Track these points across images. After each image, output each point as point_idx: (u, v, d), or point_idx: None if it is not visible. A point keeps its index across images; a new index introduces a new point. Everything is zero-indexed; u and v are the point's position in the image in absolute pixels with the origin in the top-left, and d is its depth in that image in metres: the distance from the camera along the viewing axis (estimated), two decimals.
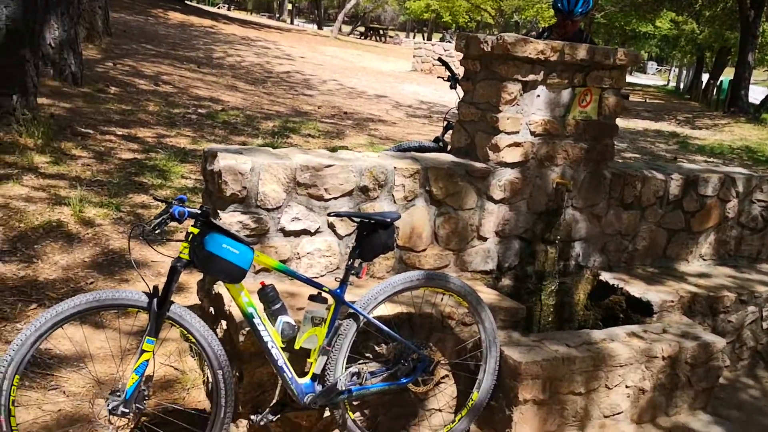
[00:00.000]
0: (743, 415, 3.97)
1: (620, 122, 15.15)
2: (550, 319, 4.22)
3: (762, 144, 16.13)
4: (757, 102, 31.13)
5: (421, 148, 4.91)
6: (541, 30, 5.12)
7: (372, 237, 2.88)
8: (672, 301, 4.06)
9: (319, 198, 3.38)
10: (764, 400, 4.22)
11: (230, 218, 3.15)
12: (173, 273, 2.54)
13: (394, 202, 3.60)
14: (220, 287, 3.14)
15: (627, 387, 3.57)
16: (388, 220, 2.89)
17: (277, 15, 53.33)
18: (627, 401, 3.60)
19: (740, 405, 4.10)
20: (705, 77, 36.82)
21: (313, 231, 3.41)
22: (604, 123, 4.12)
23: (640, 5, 25.58)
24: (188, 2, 31.88)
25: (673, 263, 4.66)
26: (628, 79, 43.90)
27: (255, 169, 3.17)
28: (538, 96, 3.87)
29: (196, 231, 2.54)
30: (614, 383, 3.51)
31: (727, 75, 29.30)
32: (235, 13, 40.46)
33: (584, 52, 3.83)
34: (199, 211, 2.53)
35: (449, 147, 4.51)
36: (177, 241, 2.74)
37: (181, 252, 2.55)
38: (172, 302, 2.57)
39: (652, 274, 4.44)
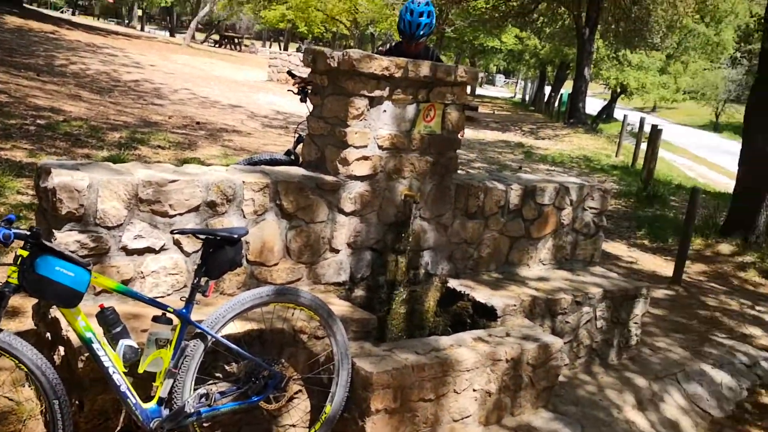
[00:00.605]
0: (580, 410, 4.24)
1: (470, 133, 15.81)
2: (401, 327, 4.32)
3: (598, 153, 17.33)
4: (594, 113, 33.40)
5: (273, 161, 4.88)
6: (389, 46, 5.23)
7: (218, 254, 2.84)
8: (514, 305, 4.28)
9: (164, 214, 3.29)
10: (599, 395, 4.53)
11: (66, 238, 3.00)
12: (0, 299, 2.39)
13: (244, 216, 3.56)
14: (56, 311, 2.97)
15: (474, 390, 3.72)
16: (235, 236, 2.86)
17: (126, 21, 51.31)
18: (475, 404, 3.75)
19: (578, 401, 4.37)
20: (548, 90, 39.15)
21: (157, 249, 3.30)
22: (448, 137, 4.28)
23: (487, 21, 26.78)
24: (27, 6, 29.99)
25: (516, 268, 4.90)
26: (479, 91, 45.84)
27: (93, 185, 3.04)
28: (385, 111, 3.97)
29: (25, 253, 2.40)
30: (462, 387, 3.64)
31: (567, 88, 31.23)
32: (80, 19, 38.49)
33: (427, 69, 3.97)
34: (28, 233, 2.39)
35: (301, 160, 4.52)
36: (5, 265, 2.57)
37: (9, 276, 2.40)
38: (0, 329, 2.41)
39: (497, 280, 4.66)
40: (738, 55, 11.30)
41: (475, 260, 4.67)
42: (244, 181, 3.53)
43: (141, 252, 3.25)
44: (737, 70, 45.19)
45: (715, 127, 54.07)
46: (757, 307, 6.69)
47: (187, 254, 3.40)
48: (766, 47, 8.42)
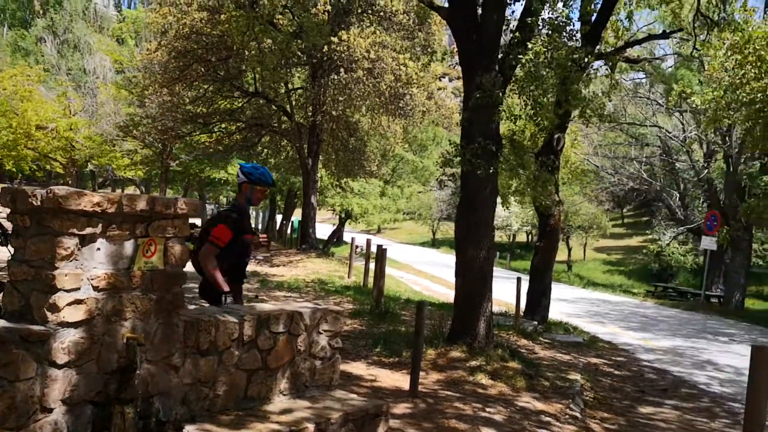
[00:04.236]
0: None
1: None
2: None
3: (331, 275, 17.88)
4: (326, 238, 34.74)
5: None
6: (233, 216, 5.74)
7: None
8: None
9: None
10: None
11: None
12: None
13: None
14: None
15: None
16: None
17: None
18: None
19: None
20: (279, 218, 40.15)
21: None
22: (172, 272, 4.08)
23: (211, 154, 27.07)
24: None
25: (256, 403, 4.70)
26: None
27: None
28: (99, 249, 3.69)
29: None
30: None
31: (298, 215, 32.28)
32: None
33: (144, 203, 3.80)
34: None
35: (2, 311, 4.01)
36: None
37: None
38: None
39: (237, 418, 4.42)
40: (443, 177, 12.61)
41: (212, 400, 4.40)
42: None
43: None
44: (446, 191, 50.35)
45: (433, 243, 59.10)
46: (488, 409, 7.10)
47: None
48: (465, 170, 9.41)
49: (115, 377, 3.81)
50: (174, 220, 4.04)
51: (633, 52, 21.34)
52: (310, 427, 4.46)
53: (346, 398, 5.19)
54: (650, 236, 43.24)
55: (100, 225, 3.66)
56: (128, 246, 3.84)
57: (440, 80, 23.80)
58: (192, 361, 4.25)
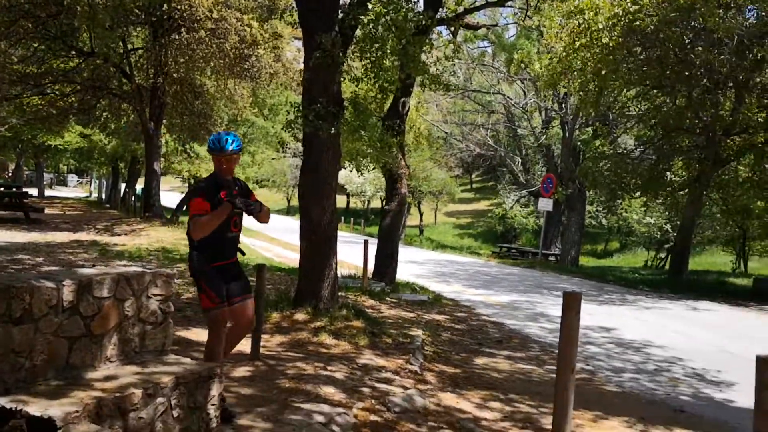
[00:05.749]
0: None
1: (38, 236, 14.64)
2: None
3: (176, 243, 17.38)
4: (173, 206, 33.64)
5: None
6: (202, 183, 5.55)
7: None
8: (77, 412, 3.87)
9: None
10: None
11: None
12: None
13: None
14: None
15: None
16: None
17: None
18: None
19: None
20: (123, 186, 38.39)
21: None
22: None
23: (45, 118, 25.27)
24: None
25: (80, 372, 4.49)
26: (49, 192, 42.95)
27: None
28: None
29: None
30: None
31: (142, 183, 30.98)
32: None
33: None
34: None
35: None
36: None
37: None
38: None
39: (57, 387, 4.20)
40: (288, 140, 12.49)
41: (28, 370, 4.15)
42: None
43: None
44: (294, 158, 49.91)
45: (288, 210, 58.85)
46: (329, 367, 7.20)
47: None
48: (307, 132, 9.36)
49: None
50: None
51: (477, 20, 22.03)
52: (138, 392, 4.32)
53: (178, 362, 5.06)
54: (496, 200, 45.38)
55: None
56: None
57: (290, 43, 23.51)
58: (4, 330, 3.97)
